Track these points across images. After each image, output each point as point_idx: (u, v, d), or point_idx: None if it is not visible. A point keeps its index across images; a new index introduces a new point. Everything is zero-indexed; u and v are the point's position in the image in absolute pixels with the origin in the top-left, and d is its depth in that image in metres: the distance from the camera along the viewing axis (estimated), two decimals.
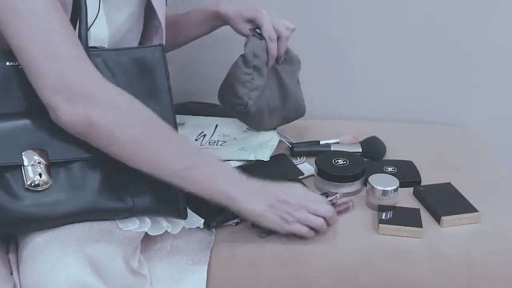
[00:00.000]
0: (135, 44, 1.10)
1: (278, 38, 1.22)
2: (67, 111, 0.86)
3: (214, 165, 1.00)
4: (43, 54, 0.85)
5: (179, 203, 1.00)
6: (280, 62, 1.27)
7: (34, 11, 0.85)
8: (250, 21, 1.22)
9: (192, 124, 1.36)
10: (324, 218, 1.05)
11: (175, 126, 1.00)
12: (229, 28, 1.26)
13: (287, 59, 1.30)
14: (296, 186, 1.08)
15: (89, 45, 0.96)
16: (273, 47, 1.21)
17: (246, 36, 1.23)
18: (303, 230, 1.03)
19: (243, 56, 1.21)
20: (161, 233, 0.99)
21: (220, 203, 0.98)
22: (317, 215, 1.03)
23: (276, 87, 1.28)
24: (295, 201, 1.02)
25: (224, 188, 0.97)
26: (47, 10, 0.86)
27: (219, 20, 1.26)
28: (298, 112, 1.35)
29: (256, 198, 0.99)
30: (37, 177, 0.88)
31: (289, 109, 1.32)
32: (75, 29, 0.93)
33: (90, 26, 0.97)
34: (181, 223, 1.02)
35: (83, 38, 0.93)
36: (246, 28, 1.23)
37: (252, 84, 1.20)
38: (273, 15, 1.22)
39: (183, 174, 0.94)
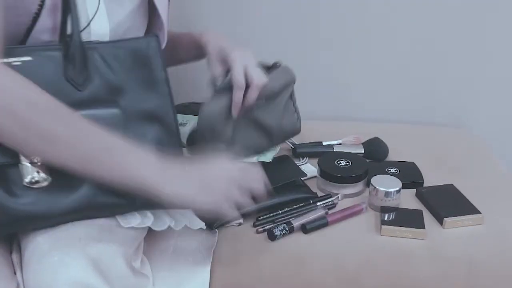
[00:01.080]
0: None
1: (248, 86, 1.09)
2: None
3: (125, 149, 0.87)
4: None
5: None
6: (253, 110, 1.15)
7: None
8: (224, 61, 1.10)
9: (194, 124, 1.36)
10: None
11: (174, 116, 1.00)
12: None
13: (264, 103, 1.18)
14: (222, 161, 0.95)
15: (89, 40, 0.96)
16: (238, 95, 1.08)
17: (213, 77, 1.13)
18: (235, 215, 0.93)
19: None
20: (164, 228, 0.98)
21: (138, 193, 0.87)
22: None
23: (254, 132, 1.20)
24: (225, 177, 0.92)
25: (138, 174, 0.86)
26: None
27: (200, 50, 1.15)
28: (288, 137, 1.30)
29: (180, 181, 0.89)
30: (36, 174, 0.87)
31: (277, 141, 1.26)
32: (66, 27, 0.92)
33: (90, 21, 0.96)
34: (184, 220, 1.01)
35: (75, 34, 0.91)
36: (217, 69, 1.11)
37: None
38: (251, 60, 1.10)
39: (84, 161, 0.85)
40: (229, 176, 0.93)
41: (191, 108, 1.42)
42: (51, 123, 0.83)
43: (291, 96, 1.28)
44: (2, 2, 0.86)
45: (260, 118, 1.20)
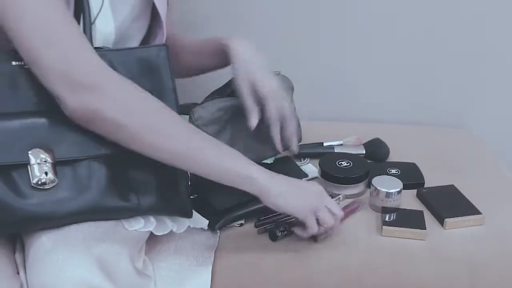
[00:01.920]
0: (141, 37, 1.10)
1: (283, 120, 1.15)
2: (72, 101, 0.86)
3: (227, 148, 0.97)
4: (45, 43, 0.85)
5: (185, 202, 1.00)
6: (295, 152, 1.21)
7: (33, 2, 0.85)
8: (254, 92, 1.11)
9: None
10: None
11: None
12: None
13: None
14: (314, 183, 1.05)
15: (95, 40, 0.97)
16: (276, 131, 1.15)
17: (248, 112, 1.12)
18: (315, 227, 1.02)
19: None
20: (166, 232, 0.99)
21: (240, 186, 0.96)
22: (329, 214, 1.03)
23: (255, 142, 1.21)
24: (316, 192, 1.02)
25: (245, 170, 0.95)
26: (47, 1, 0.86)
27: (224, 59, 1.15)
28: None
29: (279, 179, 0.98)
30: (43, 175, 0.88)
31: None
32: (79, 24, 0.93)
33: (95, 19, 0.97)
34: (186, 222, 1.02)
35: (87, 32, 0.93)
36: (249, 102, 1.11)
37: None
38: (280, 91, 1.13)
39: (194, 156, 0.93)
40: (319, 194, 1.02)
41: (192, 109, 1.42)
42: (162, 120, 0.92)
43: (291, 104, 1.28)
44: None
45: (259, 129, 1.20)
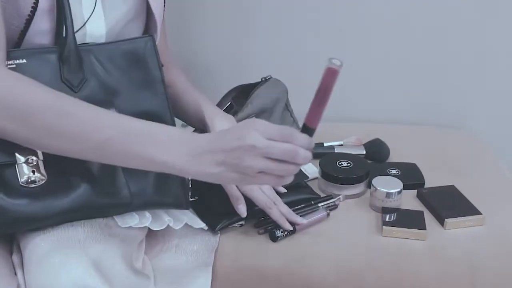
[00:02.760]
0: None
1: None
2: None
3: (144, 133, 0.84)
4: None
5: (178, 192, 0.99)
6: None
7: None
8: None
9: None
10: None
11: (171, 116, 1.00)
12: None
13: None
14: (244, 127, 0.83)
15: (85, 42, 0.96)
16: (276, 214, 1.07)
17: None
18: (271, 180, 0.84)
19: None
20: (163, 228, 0.98)
21: (157, 171, 0.88)
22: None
23: None
24: (247, 149, 0.80)
25: (159, 157, 0.82)
26: None
27: (203, 126, 1.12)
28: None
29: (202, 160, 0.82)
30: (31, 174, 0.88)
31: None
32: (62, 29, 0.92)
33: (85, 22, 0.96)
34: (183, 218, 1.01)
35: (69, 36, 0.92)
36: (235, 199, 1.06)
37: None
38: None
39: (101, 148, 0.83)
40: (254, 145, 0.80)
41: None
42: (56, 120, 0.82)
43: (287, 107, 1.28)
44: None
45: None
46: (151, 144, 0.83)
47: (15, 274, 0.89)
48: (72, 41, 0.92)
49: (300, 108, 1.32)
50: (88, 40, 0.98)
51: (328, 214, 1.14)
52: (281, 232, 1.07)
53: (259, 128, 0.81)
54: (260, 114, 1.22)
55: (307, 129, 0.88)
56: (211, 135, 0.88)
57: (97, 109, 0.85)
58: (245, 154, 0.80)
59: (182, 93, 1.13)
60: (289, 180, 0.85)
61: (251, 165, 0.80)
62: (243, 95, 1.24)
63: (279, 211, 1.08)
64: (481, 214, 1.14)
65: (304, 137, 0.85)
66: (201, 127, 1.14)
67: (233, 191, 1.06)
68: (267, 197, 1.07)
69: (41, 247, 0.86)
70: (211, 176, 0.83)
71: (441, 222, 1.13)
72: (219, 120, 1.11)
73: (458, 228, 1.12)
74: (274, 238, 1.07)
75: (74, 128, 0.82)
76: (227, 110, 1.17)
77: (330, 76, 0.87)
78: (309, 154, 0.84)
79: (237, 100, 1.24)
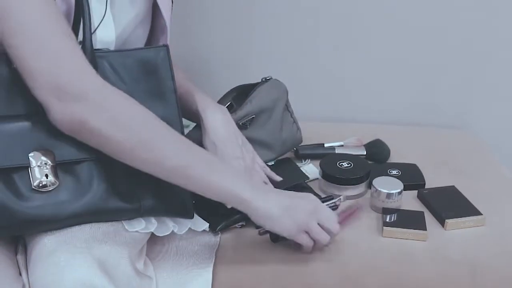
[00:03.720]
0: (142, 43, 1.10)
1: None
2: (59, 110, 0.85)
3: (219, 165, 0.96)
4: (34, 52, 0.84)
5: (186, 203, 1.00)
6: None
7: (25, 10, 0.84)
8: None
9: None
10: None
11: (181, 126, 1.01)
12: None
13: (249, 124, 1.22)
14: (309, 195, 1.03)
15: (96, 48, 0.96)
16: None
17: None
18: (309, 243, 1.00)
19: None
20: (167, 233, 0.99)
21: (229, 204, 0.97)
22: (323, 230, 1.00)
23: (255, 148, 1.20)
24: (309, 210, 0.99)
25: (233, 189, 0.93)
26: (39, 8, 0.85)
27: (196, 119, 1.15)
28: (290, 148, 1.32)
29: (270, 198, 0.96)
30: (44, 178, 0.88)
31: (279, 153, 1.28)
32: (78, 33, 0.93)
33: (96, 29, 0.97)
34: (188, 223, 1.02)
35: (87, 41, 0.93)
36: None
37: None
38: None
39: (183, 172, 0.91)
40: (312, 211, 0.99)
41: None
42: (149, 139, 0.89)
43: (287, 108, 1.28)
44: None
45: (256, 136, 1.21)
46: (229, 173, 0.96)
47: (20, 274, 0.90)
48: (89, 46, 0.93)
49: (300, 108, 1.33)
50: (98, 46, 0.98)
51: (357, 210, 1.14)
52: None
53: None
54: (260, 113, 1.22)
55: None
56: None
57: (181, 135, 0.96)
58: (304, 212, 0.98)
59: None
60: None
61: (304, 221, 0.98)
62: (243, 95, 1.24)
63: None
64: (481, 214, 1.14)
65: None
66: (194, 119, 1.15)
67: None
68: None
69: (47, 246, 0.87)
70: (270, 212, 0.95)
71: (442, 223, 1.13)
72: (212, 112, 1.13)
73: (459, 229, 1.12)
74: (275, 239, 1.07)
75: (171, 147, 0.91)
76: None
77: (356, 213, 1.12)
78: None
79: (237, 100, 1.24)
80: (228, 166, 0.97)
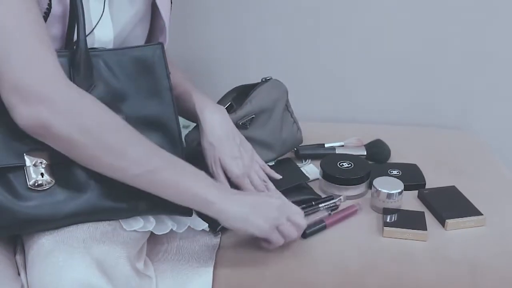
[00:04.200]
0: (141, 43, 1.10)
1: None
2: (22, 113, 0.83)
3: (186, 170, 0.93)
4: (4, 53, 0.83)
5: None
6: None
7: (1, 11, 0.83)
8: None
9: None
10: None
11: (177, 124, 1.01)
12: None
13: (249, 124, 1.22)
14: (275, 193, 1.05)
15: (94, 47, 0.96)
16: (247, 185, 1.12)
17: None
18: (280, 241, 1.00)
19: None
20: (166, 232, 0.99)
21: (195, 208, 0.96)
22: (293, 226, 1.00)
23: (255, 148, 1.19)
24: (277, 205, 0.99)
25: (200, 191, 0.92)
26: (16, 11, 0.84)
27: (194, 118, 1.15)
28: (290, 148, 1.32)
29: (236, 199, 0.95)
30: (40, 177, 0.88)
31: (279, 153, 1.28)
32: (73, 34, 0.93)
33: (94, 28, 0.97)
34: (187, 222, 1.02)
35: (81, 41, 0.92)
36: (220, 176, 1.10)
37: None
38: (249, 169, 1.13)
39: (150, 179, 0.90)
40: (280, 207, 0.99)
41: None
42: (114, 144, 0.87)
43: (288, 108, 1.28)
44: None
45: (257, 136, 1.21)
46: (198, 181, 0.93)
47: (19, 274, 0.90)
48: (83, 45, 0.93)
49: (300, 108, 1.33)
50: (96, 45, 0.98)
51: (329, 215, 1.14)
52: None
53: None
54: (260, 113, 1.22)
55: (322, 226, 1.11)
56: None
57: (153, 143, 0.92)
58: (274, 209, 0.98)
59: (174, 86, 1.14)
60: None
61: (275, 218, 0.98)
62: (243, 95, 1.24)
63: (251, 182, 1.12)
64: (481, 214, 1.14)
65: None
66: (193, 120, 1.15)
67: (221, 180, 1.10)
68: (253, 188, 1.11)
69: (45, 246, 0.87)
70: (239, 212, 0.94)
71: (442, 223, 1.13)
72: (210, 112, 1.12)
73: (459, 229, 1.12)
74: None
75: (140, 155, 0.89)
76: (226, 111, 1.17)
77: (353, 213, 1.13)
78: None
79: (237, 100, 1.24)
80: (195, 171, 0.94)
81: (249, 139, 1.17)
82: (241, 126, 1.19)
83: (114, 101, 0.95)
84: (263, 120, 1.23)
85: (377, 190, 1.16)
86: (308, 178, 1.25)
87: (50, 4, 0.90)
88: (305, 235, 1.08)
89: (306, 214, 1.12)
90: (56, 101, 0.83)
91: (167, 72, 0.99)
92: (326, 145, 1.39)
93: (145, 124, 0.97)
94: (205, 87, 1.20)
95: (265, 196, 1.02)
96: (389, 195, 1.15)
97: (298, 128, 1.30)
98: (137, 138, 0.90)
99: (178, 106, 1.09)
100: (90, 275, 0.83)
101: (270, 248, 1.02)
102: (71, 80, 0.92)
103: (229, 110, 1.19)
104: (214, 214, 0.94)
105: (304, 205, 1.14)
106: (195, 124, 1.18)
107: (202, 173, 0.94)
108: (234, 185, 1.10)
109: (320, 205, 1.16)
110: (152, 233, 1.00)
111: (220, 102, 1.23)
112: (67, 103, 0.84)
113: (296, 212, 1.02)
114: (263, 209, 0.97)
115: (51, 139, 0.85)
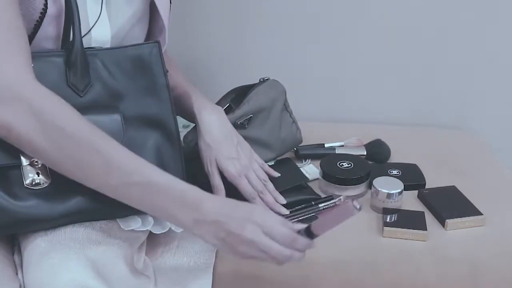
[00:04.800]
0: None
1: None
2: None
3: (162, 188, 0.86)
4: None
5: None
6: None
7: None
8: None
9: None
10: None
11: (175, 122, 1.01)
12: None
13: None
14: (252, 216, 0.86)
15: (91, 46, 0.96)
16: (264, 200, 1.11)
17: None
18: (267, 258, 0.86)
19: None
20: (165, 231, 0.99)
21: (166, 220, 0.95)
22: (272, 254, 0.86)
23: (254, 148, 1.19)
24: (246, 242, 0.85)
25: (170, 211, 0.86)
26: None
27: (192, 118, 1.14)
28: (290, 148, 1.31)
29: (205, 229, 0.85)
30: (36, 176, 0.88)
31: (278, 153, 1.27)
32: (69, 34, 0.93)
33: (91, 28, 0.97)
34: None
35: (77, 42, 0.92)
36: (215, 178, 1.09)
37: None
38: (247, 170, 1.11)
39: (118, 190, 0.86)
40: (253, 240, 0.85)
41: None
42: (86, 155, 0.84)
43: (286, 108, 1.28)
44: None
45: (255, 136, 1.21)
46: (165, 200, 0.86)
47: (17, 274, 0.90)
48: (79, 45, 0.93)
49: (299, 108, 1.33)
50: (93, 45, 0.98)
51: (360, 208, 1.13)
52: None
53: (258, 221, 0.85)
54: (257, 113, 1.22)
55: (311, 234, 0.89)
56: (219, 206, 0.86)
57: (125, 153, 0.87)
58: (243, 244, 0.84)
59: (174, 87, 1.14)
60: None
61: (246, 253, 0.85)
62: (242, 96, 1.24)
63: (264, 201, 1.10)
64: (481, 214, 1.14)
65: (305, 243, 0.88)
66: (192, 120, 1.15)
67: (215, 180, 1.09)
68: (251, 187, 1.10)
69: (40, 247, 0.87)
70: (209, 243, 0.87)
71: (442, 223, 1.13)
72: (207, 113, 1.12)
73: (459, 229, 1.12)
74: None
75: (100, 167, 0.85)
76: (225, 112, 1.17)
77: (349, 212, 0.88)
78: (302, 256, 0.88)
79: (235, 101, 1.24)
80: (169, 183, 0.87)
81: (247, 138, 1.17)
82: (239, 125, 1.19)
83: (111, 100, 0.95)
84: (261, 120, 1.23)
85: (377, 190, 1.16)
86: (308, 179, 1.25)
87: (46, 5, 0.91)
88: (312, 236, 1.03)
89: (307, 214, 1.12)
90: (21, 102, 0.82)
91: (164, 70, 0.99)
92: (326, 145, 1.39)
93: (143, 123, 0.97)
94: (204, 87, 1.20)
95: (238, 223, 0.85)
96: (389, 195, 1.15)
97: (298, 128, 1.30)
98: (105, 146, 0.85)
99: (178, 106, 1.09)
100: (86, 277, 0.83)
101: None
102: (67, 80, 0.92)
103: (228, 111, 1.19)
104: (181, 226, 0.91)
105: (303, 205, 1.14)
106: (194, 125, 1.18)
107: (178, 192, 0.87)
108: (232, 186, 1.10)
109: (320, 205, 1.16)
110: (151, 233, 1.00)
111: (219, 103, 1.23)
112: (33, 105, 0.82)
113: (274, 227, 0.86)
114: (233, 245, 0.86)
115: (13, 140, 0.84)
